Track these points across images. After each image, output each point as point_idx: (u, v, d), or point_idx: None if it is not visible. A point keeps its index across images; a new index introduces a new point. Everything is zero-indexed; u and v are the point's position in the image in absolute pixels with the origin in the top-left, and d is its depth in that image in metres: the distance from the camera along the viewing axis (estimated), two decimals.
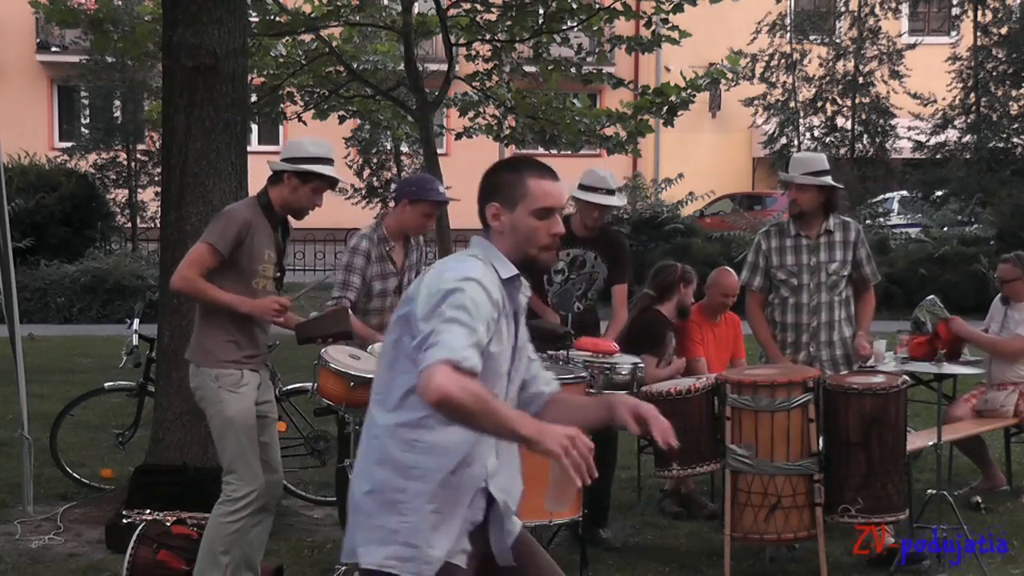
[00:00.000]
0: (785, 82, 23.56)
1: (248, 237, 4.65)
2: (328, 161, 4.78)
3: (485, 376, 2.76)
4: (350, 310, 5.38)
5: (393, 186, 18.68)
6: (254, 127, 20.93)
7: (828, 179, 5.78)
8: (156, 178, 18.25)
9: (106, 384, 7.53)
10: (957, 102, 22.51)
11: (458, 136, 13.87)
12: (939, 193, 21.92)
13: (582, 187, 6.15)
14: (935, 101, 22.43)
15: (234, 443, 4.68)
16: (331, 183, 4.82)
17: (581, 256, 6.28)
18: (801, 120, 23.53)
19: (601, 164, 6.72)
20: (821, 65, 23.32)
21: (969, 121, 22.39)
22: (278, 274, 4.83)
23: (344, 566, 5.00)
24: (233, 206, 4.85)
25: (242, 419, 4.68)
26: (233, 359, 4.69)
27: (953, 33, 23.81)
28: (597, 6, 11.57)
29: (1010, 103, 22.30)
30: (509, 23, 11.84)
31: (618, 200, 6.28)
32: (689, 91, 12.06)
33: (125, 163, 20.41)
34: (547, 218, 2.85)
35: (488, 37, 12.25)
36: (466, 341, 2.65)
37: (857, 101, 23.14)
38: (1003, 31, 22.31)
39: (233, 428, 4.67)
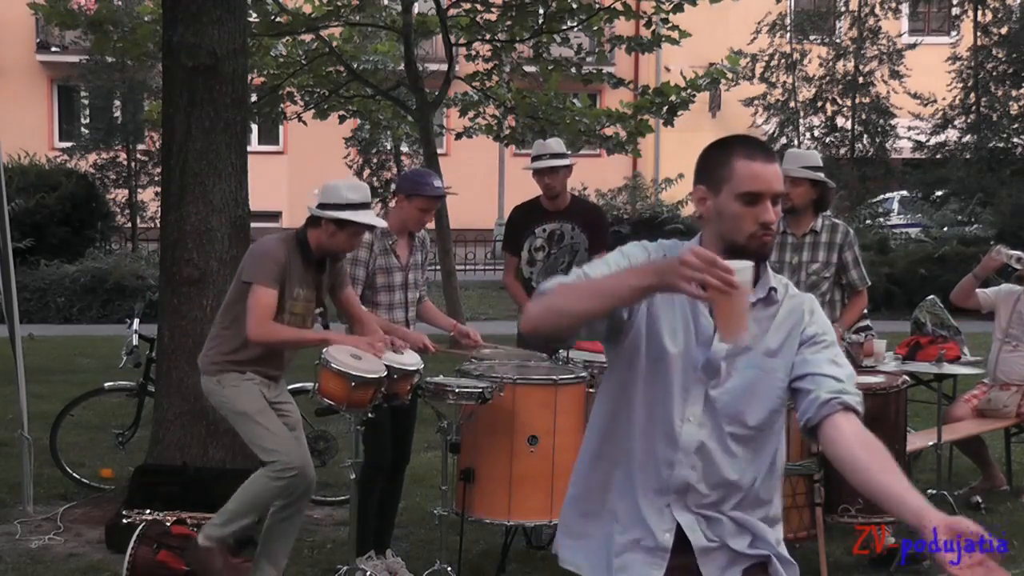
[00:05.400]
0: (785, 82, 23.55)
1: (284, 278, 4.72)
2: (366, 206, 4.82)
3: (656, 382, 2.56)
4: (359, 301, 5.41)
5: (393, 186, 18.69)
6: (254, 127, 20.94)
7: (821, 175, 5.76)
8: (156, 178, 18.26)
9: (106, 384, 7.52)
10: (957, 102, 22.49)
11: (458, 136, 13.90)
12: (939, 193, 21.92)
13: (532, 160, 6.28)
14: (935, 101, 22.42)
15: (253, 427, 4.74)
16: (370, 229, 4.97)
17: (558, 229, 6.31)
18: (801, 120, 23.52)
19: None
20: (821, 65, 23.31)
21: (969, 121, 22.38)
22: (320, 309, 4.90)
23: (345, 566, 5.01)
24: (269, 244, 4.80)
25: (251, 405, 4.76)
26: (235, 368, 4.81)
27: (953, 33, 23.79)
28: (597, 6, 11.59)
29: (1010, 103, 22.28)
30: (509, 23, 11.87)
31: (562, 161, 6.25)
32: (689, 91, 12.09)
33: (125, 163, 20.42)
34: (754, 204, 2.50)
35: (488, 37, 12.27)
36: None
37: (857, 101, 23.13)
38: (1003, 31, 22.29)
39: (246, 416, 4.76)
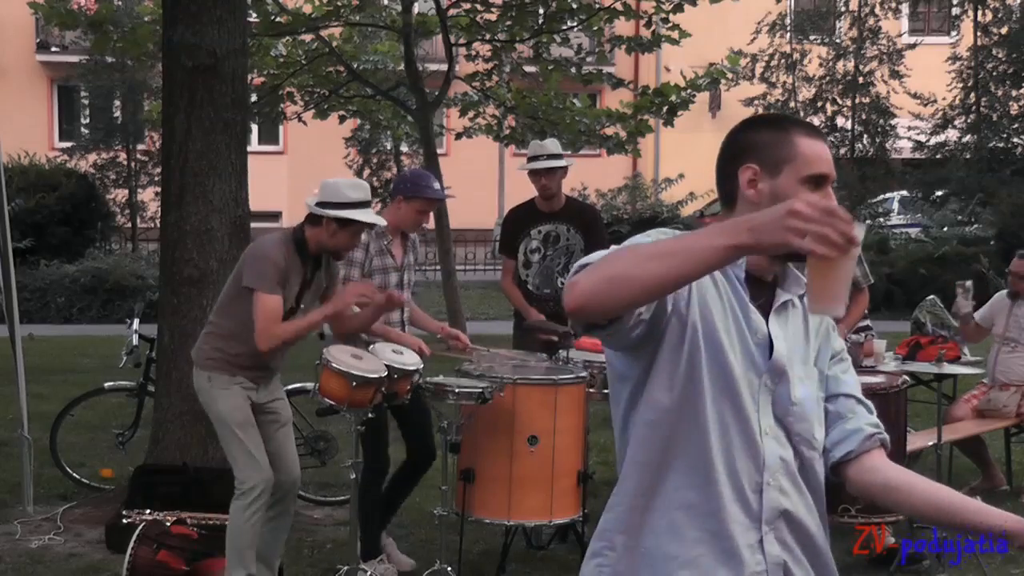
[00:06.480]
0: (785, 82, 23.54)
1: (284, 281, 4.74)
2: (366, 204, 4.83)
3: (723, 386, 2.12)
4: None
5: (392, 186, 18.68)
6: (254, 127, 20.94)
7: None
8: (156, 178, 18.24)
9: (106, 384, 7.53)
10: (957, 102, 22.48)
11: (458, 136, 13.88)
12: (939, 193, 21.92)
13: (528, 161, 6.26)
14: (935, 101, 22.42)
15: (229, 437, 4.78)
16: (371, 228, 5.02)
17: (553, 231, 6.30)
18: None
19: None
20: (821, 65, 23.30)
21: (969, 121, 22.37)
22: (292, 307, 4.84)
23: (345, 566, 5.01)
24: (267, 247, 4.76)
25: (233, 414, 4.77)
26: (227, 368, 4.82)
27: (953, 33, 23.78)
28: (597, 6, 11.59)
29: (1010, 103, 22.26)
30: (509, 23, 11.86)
31: (559, 161, 6.23)
32: (689, 91, 12.07)
33: (125, 163, 20.41)
34: (819, 189, 2.14)
35: (488, 37, 12.27)
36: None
37: (857, 101, 23.12)
38: (1003, 31, 22.28)
39: (225, 423, 4.78)
